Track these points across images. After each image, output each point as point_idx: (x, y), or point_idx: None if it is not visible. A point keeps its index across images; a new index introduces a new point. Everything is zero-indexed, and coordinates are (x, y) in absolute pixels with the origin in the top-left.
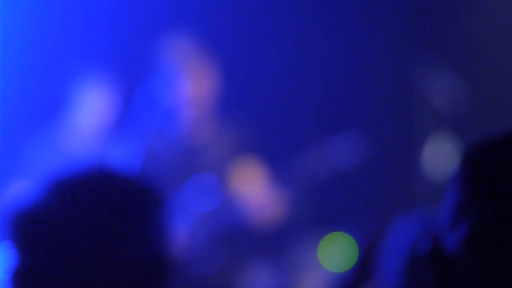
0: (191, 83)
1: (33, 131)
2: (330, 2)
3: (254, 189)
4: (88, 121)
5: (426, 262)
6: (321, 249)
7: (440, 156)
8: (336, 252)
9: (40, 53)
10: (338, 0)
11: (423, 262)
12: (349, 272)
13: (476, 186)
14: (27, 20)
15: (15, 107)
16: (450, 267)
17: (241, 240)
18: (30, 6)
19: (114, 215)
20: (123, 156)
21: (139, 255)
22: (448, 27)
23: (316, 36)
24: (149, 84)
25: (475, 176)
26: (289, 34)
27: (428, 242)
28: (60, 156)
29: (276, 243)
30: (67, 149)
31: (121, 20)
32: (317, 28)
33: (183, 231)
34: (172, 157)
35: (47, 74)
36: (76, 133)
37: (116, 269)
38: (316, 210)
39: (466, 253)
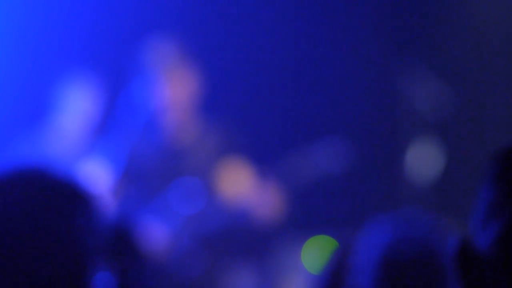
0: (174, 86)
1: (17, 133)
2: (315, 8)
3: (238, 193)
4: (72, 123)
5: (455, 263)
6: (304, 252)
7: (424, 160)
8: (319, 255)
9: (24, 55)
10: (323, 6)
11: (452, 262)
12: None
13: (509, 185)
14: (11, 21)
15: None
16: (480, 268)
17: (226, 243)
18: (14, 8)
19: (38, 215)
20: (106, 160)
21: (59, 256)
22: (431, 31)
23: (300, 40)
24: (132, 88)
25: (508, 174)
26: (273, 37)
27: (457, 242)
28: (43, 157)
29: (260, 246)
30: (50, 150)
31: (105, 23)
32: (302, 32)
33: (168, 234)
34: (156, 161)
35: (30, 75)
36: (59, 134)
37: (37, 268)
38: (300, 214)
39: (497, 253)
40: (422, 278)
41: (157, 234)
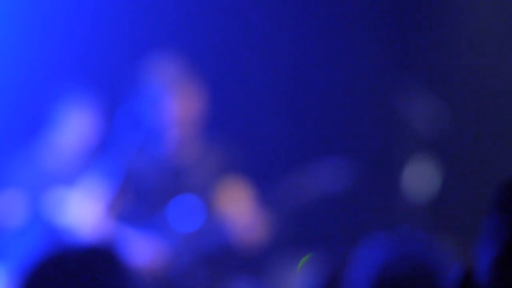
0: (177, 104)
1: (14, 150)
2: (313, 25)
3: (238, 210)
4: (70, 141)
5: None
6: (302, 270)
7: (421, 179)
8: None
9: (23, 72)
10: (320, 23)
11: None
12: None
13: (507, 212)
14: (9, 38)
15: None
16: None
17: (224, 260)
18: (12, 25)
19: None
20: (103, 175)
21: None
22: (429, 50)
23: (301, 60)
24: (134, 104)
25: (508, 202)
26: (275, 57)
27: (459, 271)
28: (40, 176)
29: (259, 264)
30: (48, 169)
31: (107, 40)
32: (302, 52)
33: (167, 251)
34: (157, 177)
35: (29, 93)
36: (57, 153)
37: None
38: (299, 232)
39: (493, 276)
40: None
41: (155, 251)
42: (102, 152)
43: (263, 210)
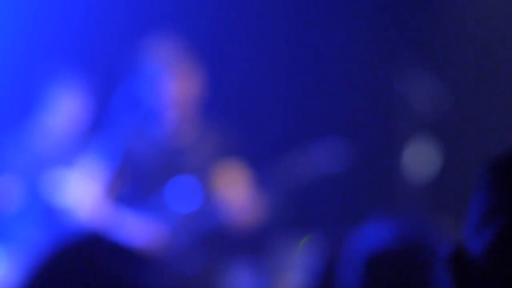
0: (175, 84)
1: (5, 132)
2: (314, 6)
3: (236, 191)
4: (61, 123)
5: (447, 269)
6: (301, 251)
7: (420, 160)
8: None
9: (16, 53)
10: (321, 5)
11: (444, 268)
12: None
13: (503, 192)
14: (1, 19)
15: None
16: (473, 274)
17: (223, 241)
18: (3, 6)
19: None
20: (100, 157)
21: None
22: (429, 30)
23: (300, 40)
24: (131, 85)
25: (502, 182)
26: (274, 37)
27: (449, 248)
28: (31, 157)
29: (257, 245)
30: (39, 151)
31: (105, 20)
32: (302, 32)
33: (165, 232)
34: (155, 158)
35: (22, 73)
36: (48, 135)
37: None
38: (298, 213)
39: (491, 259)
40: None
41: (153, 232)
42: (99, 133)
43: (261, 191)
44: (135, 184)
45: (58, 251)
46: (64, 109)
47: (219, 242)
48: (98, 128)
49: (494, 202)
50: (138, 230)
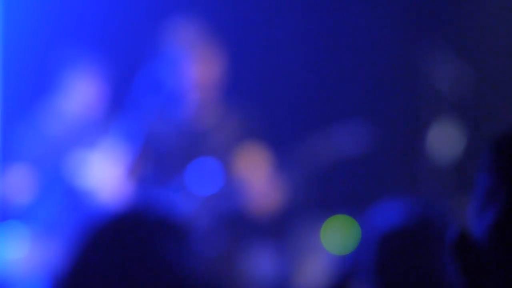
0: (197, 67)
1: (22, 117)
2: None
3: (257, 174)
4: (78, 107)
5: (452, 250)
6: (323, 232)
7: (444, 141)
8: (338, 235)
9: (33, 39)
10: None
11: (449, 250)
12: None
13: (505, 172)
14: (17, 4)
15: (4, 93)
16: (477, 255)
17: (244, 224)
18: None
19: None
20: (122, 139)
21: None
22: (453, 12)
23: (322, 22)
24: (153, 68)
25: (505, 161)
26: (296, 19)
27: (454, 230)
28: (49, 143)
29: (279, 227)
30: (56, 136)
31: (126, 3)
32: (324, 14)
33: (186, 214)
34: (176, 141)
35: (41, 59)
36: (66, 119)
37: None
38: (320, 195)
39: (492, 239)
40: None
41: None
42: (121, 116)
43: (282, 173)
44: (156, 167)
45: (98, 231)
46: (81, 94)
47: (240, 224)
48: (119, 111)
49: (495, 183)
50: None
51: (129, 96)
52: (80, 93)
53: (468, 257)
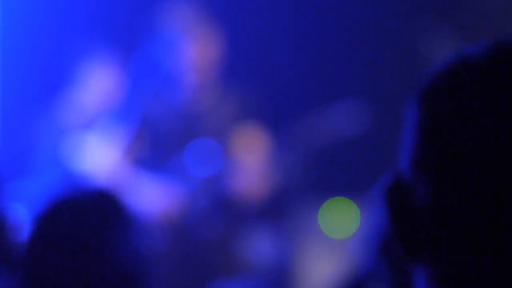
0: (194, 49)
1: (36, 109)
2: None
3: (255, 155)
4: (92, 99)
5: (384, 199)
6: (321, 215)
7: None
8: (337, 217)
9: (44, 30)
10: None
11: (382, 201)
12: None
13: (430, 119)
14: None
15: (17, 85)
16: (408, 206)
17: (242, 205)
18: None
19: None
20: (120, 121)
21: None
22: None
23: (319, 2)
24: (150, 49)
25: (428, 108)
26: (293, 0)
27: (387, 179)
28: (62, 134)
29: (277, 209)
30: (70, 127)
31: None
32: None
33: (183, 196)
34: (173, 122)
35: (51, 50)
36: (79, 111)
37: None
38: (318, 177)
39: (422, 189)
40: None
41: (172, 196)
42: (118, 98)
43: (280, 154)
44: (154, 148)
45: (60, 203)
46: (95, 85)
47: (238, 206)
48: (117, 93)
49: (422, 131)
50: (157, 194)
51: (126, 77)
52: (94, 83)
53: (400, 207)
